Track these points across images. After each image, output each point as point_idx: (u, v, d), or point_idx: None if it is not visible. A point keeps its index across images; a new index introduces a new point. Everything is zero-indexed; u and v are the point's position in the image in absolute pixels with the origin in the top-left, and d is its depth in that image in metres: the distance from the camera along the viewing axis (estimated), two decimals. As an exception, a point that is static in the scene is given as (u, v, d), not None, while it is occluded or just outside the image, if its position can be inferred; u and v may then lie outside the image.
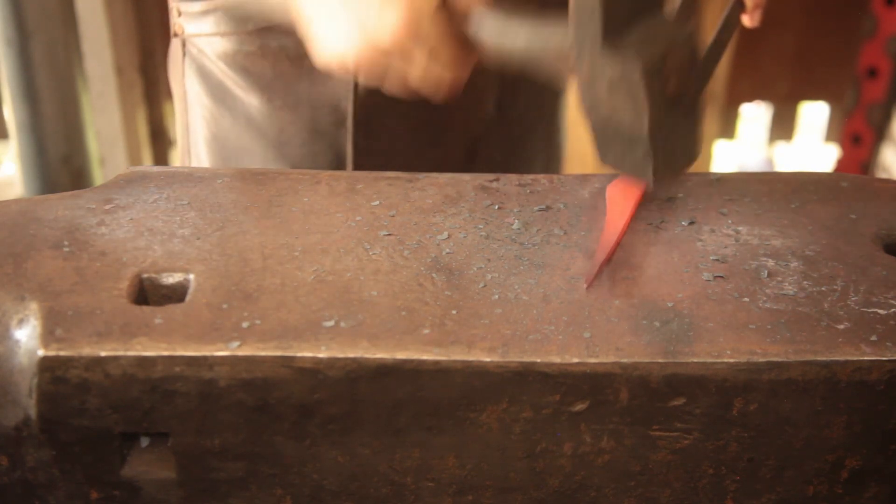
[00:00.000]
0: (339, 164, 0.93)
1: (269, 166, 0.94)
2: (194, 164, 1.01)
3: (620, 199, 0.62)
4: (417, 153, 0.95)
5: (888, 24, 2.30)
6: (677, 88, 0.53)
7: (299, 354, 0.52)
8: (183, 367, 0.52)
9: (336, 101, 0.91)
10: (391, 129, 0.93)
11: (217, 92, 0.95)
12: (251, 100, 0.93)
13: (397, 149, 0.95)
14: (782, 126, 2.88)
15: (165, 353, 0.52)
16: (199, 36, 0.94)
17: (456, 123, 0.96)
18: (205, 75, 0.95)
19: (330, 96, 0.91)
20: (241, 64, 0.92)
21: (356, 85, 0.90)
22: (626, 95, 0.53)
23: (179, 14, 0.95)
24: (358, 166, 0.93)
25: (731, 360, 0.53)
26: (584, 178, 0.74)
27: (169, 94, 2.34)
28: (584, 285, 0.58)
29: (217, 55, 0.93)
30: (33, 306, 0.55)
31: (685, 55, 0.53)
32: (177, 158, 1.08)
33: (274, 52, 0.90)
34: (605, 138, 0.58)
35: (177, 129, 1.04)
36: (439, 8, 0.67)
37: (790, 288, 0.59)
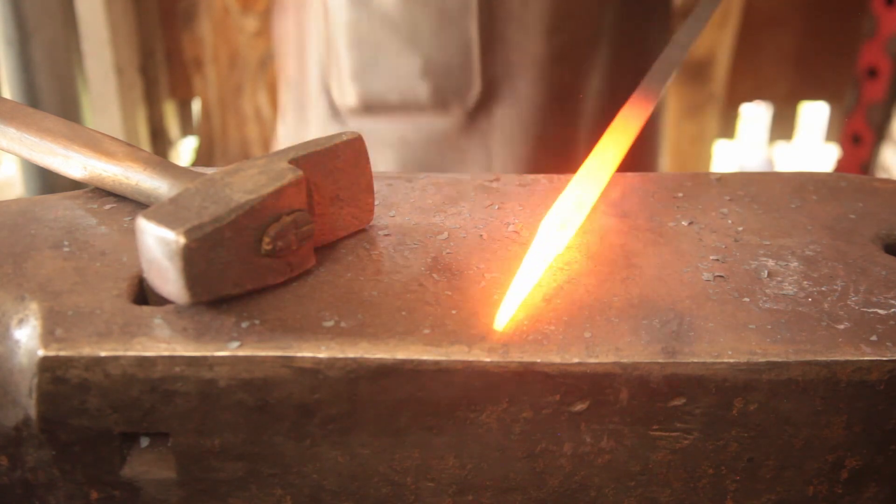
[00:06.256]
0: (466, 53, 1.06)
1: (402, 61, 1.08)
2: (333, 70, 1.16)
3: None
4: (539, 39, 1.07)
5: (888, 24, 2.30)
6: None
7: (299, 354, 0.52)
8: (183, 367, 0.52)
9: None
10: (513, 14, 1.02)
11: None
12: None
13: (518, 37, 1.06)
14: (782, 126, 2.88)
15: (165, 353, 0.52)
16: None
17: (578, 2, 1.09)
18: None
19: None
20: None
21: None
22: None
23: None
24: (485, 54, 1.06)
25: (731, 360, 0.53)
26: (584, 178, 0.74)
27: (169, 94, 2.36)
28: None
29: None
30: (33, 306, 0.55)
31: None
32: (176, 158, 1.09)
33: None
34: None
35: (314, 47, 1.19)
36: None
37: (790, 288, 0.59)
